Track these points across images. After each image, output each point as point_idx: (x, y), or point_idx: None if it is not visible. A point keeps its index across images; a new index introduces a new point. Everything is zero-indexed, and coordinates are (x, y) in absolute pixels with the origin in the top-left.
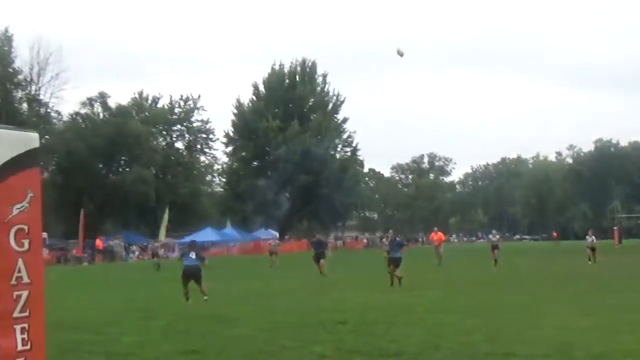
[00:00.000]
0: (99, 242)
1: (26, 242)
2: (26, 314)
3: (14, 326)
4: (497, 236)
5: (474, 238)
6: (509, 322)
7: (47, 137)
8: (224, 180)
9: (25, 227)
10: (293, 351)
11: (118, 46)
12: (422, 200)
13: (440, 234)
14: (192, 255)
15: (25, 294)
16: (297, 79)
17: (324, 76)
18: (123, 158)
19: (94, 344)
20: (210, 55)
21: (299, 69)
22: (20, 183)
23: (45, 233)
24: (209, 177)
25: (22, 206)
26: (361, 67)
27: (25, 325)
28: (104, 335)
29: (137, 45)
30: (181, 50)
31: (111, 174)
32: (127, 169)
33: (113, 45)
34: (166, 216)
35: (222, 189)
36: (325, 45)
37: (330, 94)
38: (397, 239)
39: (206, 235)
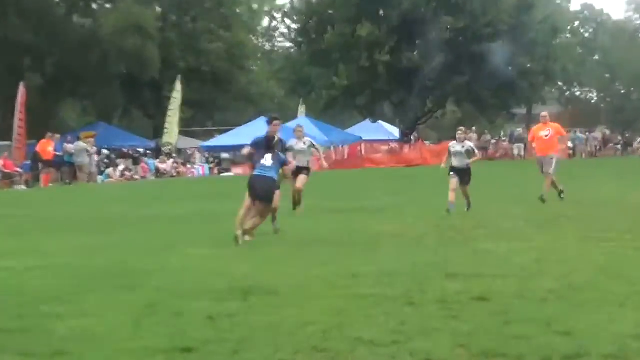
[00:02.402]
0: (43, 147)
1: None
2: None
3: None
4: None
5: None
6: None
7: None
8: (293, 28)
9: None
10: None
11: None
12: None
13: (557, 126)
14: (267, 160)
15: None
16: None
17: None
18: None
19: (14, 333)
20: None
21: None
22: None
23: None
24: (264, 24)
25: None
26: None
27: None
28: (34, 320)
29: None
30: None
31: (76, 16)
32: (107, 5)
33: None
34: (177, 95)
35: (289, 47)
36: None
37: None
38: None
39: (258, 130)
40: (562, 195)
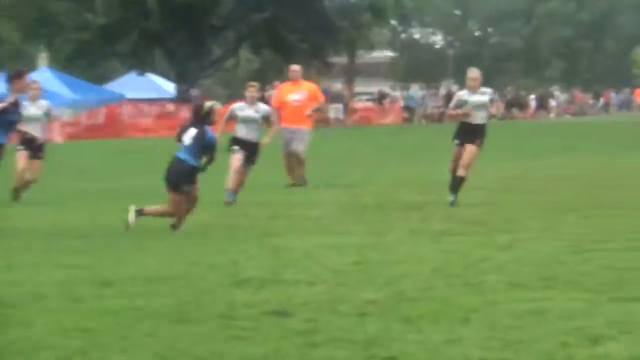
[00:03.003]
0: None
1: None
2: None
3: None
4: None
5: None
6: None
7: None
8: None
9: None
10: None
11: None
12: None
13: (312, 88)
14: (188, 138)
15: None
16: None
17: None
18: None
19: None
20: None
21: None
22: None
23: None
24: None
25: None
26: None
27: None
28: None
29: None
30: None
31: None
32: None
33: None
34: None
35: None
36: None
37: None
38: None
39: None
40: (298, 183)
